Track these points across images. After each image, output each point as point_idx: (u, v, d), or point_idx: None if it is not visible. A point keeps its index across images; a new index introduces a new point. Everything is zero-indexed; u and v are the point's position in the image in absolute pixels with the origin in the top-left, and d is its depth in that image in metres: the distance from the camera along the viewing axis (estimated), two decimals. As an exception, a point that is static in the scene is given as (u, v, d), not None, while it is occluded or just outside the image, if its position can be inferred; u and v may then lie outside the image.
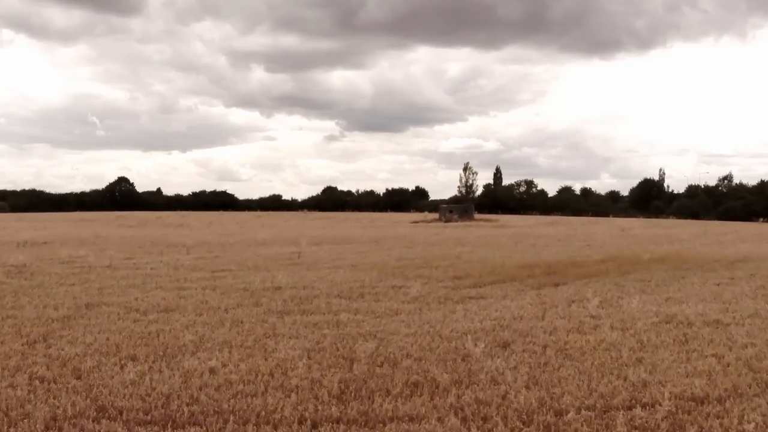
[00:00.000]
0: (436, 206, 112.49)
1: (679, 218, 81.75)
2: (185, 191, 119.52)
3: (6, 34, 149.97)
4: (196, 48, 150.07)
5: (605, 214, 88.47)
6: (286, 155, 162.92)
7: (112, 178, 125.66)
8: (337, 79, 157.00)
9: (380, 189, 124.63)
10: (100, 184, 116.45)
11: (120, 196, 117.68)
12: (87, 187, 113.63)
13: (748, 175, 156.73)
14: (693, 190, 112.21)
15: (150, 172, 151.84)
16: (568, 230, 36.29)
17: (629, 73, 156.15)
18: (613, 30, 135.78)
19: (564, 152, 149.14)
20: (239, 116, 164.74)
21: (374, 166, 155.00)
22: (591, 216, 73.94)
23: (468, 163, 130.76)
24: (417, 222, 48.09)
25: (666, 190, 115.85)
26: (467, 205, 50.24)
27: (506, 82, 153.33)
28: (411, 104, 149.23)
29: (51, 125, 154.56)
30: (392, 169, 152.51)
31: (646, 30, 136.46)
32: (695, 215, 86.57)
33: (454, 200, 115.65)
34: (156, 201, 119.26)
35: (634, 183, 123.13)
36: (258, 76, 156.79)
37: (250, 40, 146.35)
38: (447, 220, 47.74)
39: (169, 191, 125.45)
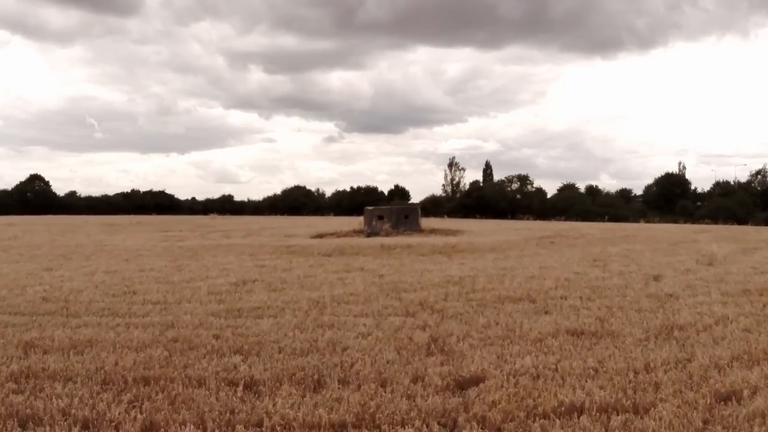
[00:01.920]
0: (413, 208, 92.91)
1: (722, 222, 61.54)
2: (181, 194, 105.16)
3: (2, 35, 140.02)
4: (194, 49, 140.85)
5: (623, 218, 68.06)
6: (285, 157, 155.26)
7: (112, 181, 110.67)
8: (336, 80, 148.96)
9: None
10: (99, 187, 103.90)
11: (32, 197, 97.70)
12: (89, 190, 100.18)
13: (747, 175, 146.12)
14: (725, 187, 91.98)
15: (149, 174, 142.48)
16: (588, 259, 16.26)
17: (630, 73, 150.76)
18: (614, 29, 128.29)
19: (563, 153, 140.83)
20: (238, 118, 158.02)
21: (373, 167, 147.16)
22: (607, 221, 53.72)
23: (454, 158, 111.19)
24: (322, 236, 27.99)
25: (690, 187, 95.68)
26: (408, 207, 29.62)
27: (506, 83, 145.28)
28: (410, 105, 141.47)
29: (49, 127, 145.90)
30: (391, 170, 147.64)
31: (647, 29, 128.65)
32: (737, 218, 66.32)
33: (430, 201, 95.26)
34: (76, 203, 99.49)
35: (635, 183, 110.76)
36: (256, 77, 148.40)
37: (248, 41, 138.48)
38: (371, 232, 27.61)
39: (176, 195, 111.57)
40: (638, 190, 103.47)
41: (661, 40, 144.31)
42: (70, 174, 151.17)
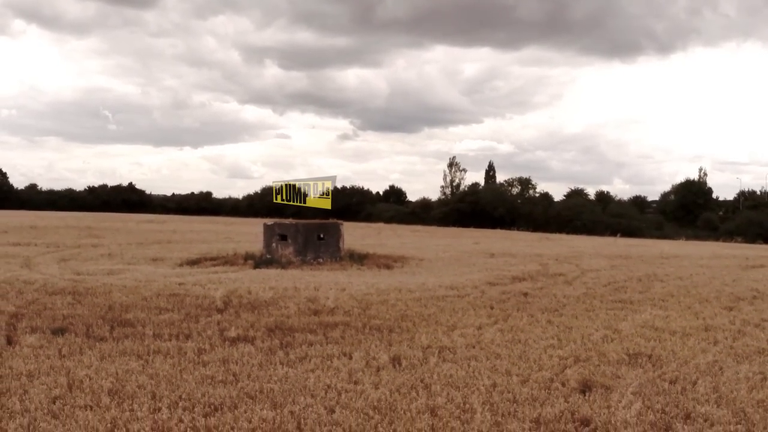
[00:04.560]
0: (398, 214, 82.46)
1: (751, 240, 51.85)
2: (192, 188, 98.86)
3: (18, 24, 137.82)
4: (210, 43, 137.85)
5: (637, 232, 58.37)
6: (298, 153, 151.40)
7: (124, 173, 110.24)
8: (353, 78, 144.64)
9: (381, 188, 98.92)
10: (112, 179, 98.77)
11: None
12: (99, 181, 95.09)
13: (762, 183, 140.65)
14: (752, 198, 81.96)
15: (161, 167, 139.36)
16: (575, 377, 7.21)
17: (648, 77, 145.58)
18: (633, 33, 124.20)
19: (577, 156, 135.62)
20: (252, 113, 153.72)
21: (387, 166, 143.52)
22: (619, 237, 44.13)
23: (454, 157, 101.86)
24: (197, 263, 18.91)
25: (712, 197, 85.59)
26: (324, 225, 20.00)
27: (523, 84, 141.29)
28: (426, 104, 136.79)
29: (63, 118, 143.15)
30: (404, 170, 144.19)
31: (667, 34, 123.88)
32: (765, 236, 56.71)
33: (420, 205, 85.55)
34: (36, 198, 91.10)
35: (648, 189, 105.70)
36: (272, 72, 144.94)
37: (264, 36, 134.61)
38: (264, 260, 18.41)
39: (179, 189, 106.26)
40: (651, 196, 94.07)
41: (681, 45, 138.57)
42: (84, 165, 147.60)
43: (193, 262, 19.17)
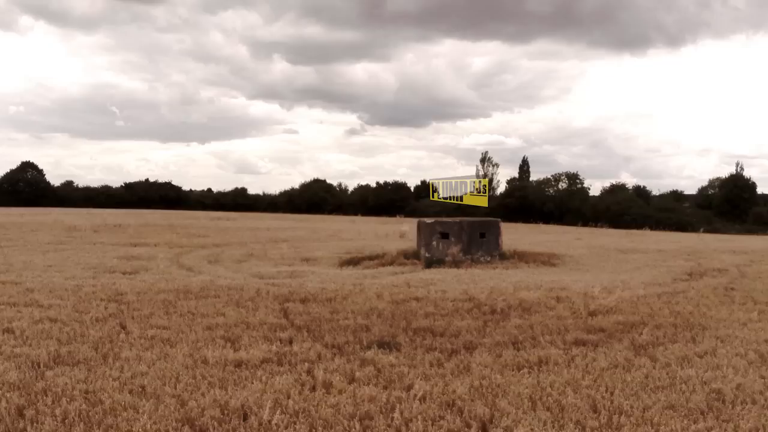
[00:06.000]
0: (444, 209, 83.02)
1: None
2: (202, 184, 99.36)
3: (25, 20, 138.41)
4: (218, 38, 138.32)
5: (686, 226, 58.55)
6: (306, 149, 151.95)
7: (132, 170, 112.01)
8: (361, 72, 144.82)
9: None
10: (119, 175, 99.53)
11: (25, 187, 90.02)
12: (106, 177, 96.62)
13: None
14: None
15: (169, 163, 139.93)
16: None
17: (657, 70, 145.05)
18: (643, 26, 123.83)
19: (585, 150, 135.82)
20: (260, 108, 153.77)
21: (393, 161, 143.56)
22: (703, 232, 44.40)
23: (486, 152, 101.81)
24: (357, 261, 19.31)
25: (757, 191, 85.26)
26: (484, 222, 20.28)
27: (532, 78, 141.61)
28: (434, 99, 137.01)
29: (70, 115, 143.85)
30: (411, 164, 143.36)
31: (677, 27, 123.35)
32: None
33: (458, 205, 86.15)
34: (72, 194, 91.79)
35: (653, 183, 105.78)
36: (280, 67, 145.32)
37: (273, 30, 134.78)
38: (431, 259, 18.72)
39: (190, 184, 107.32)
40: (655, 190, 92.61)
41: (691, 38, 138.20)
42: (91, 161, 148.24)
43: (352, 262, 19.41)
